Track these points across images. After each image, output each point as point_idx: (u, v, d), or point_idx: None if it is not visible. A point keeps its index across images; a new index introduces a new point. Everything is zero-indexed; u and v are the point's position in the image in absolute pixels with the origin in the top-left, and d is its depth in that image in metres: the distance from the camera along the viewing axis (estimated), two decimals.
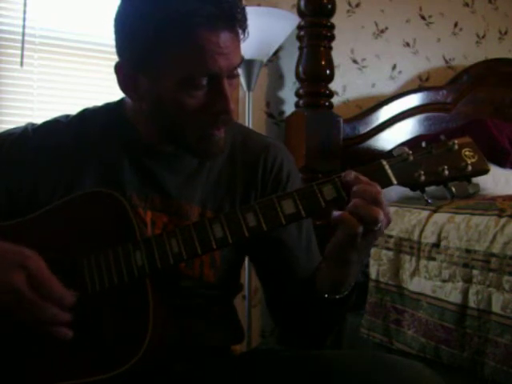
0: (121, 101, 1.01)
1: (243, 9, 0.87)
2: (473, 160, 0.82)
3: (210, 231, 0.82)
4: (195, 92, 0.87)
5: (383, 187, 0.80)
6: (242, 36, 0.89)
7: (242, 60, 0.91)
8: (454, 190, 0.82)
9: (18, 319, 0.79)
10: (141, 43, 0.86)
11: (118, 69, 0.91)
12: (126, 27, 0.88)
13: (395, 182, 0.81)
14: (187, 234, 0.82)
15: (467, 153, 0.82)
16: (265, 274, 1.05)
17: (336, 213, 0.77)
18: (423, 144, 0.83)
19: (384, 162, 0.81)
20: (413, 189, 0.83)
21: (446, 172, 0.81)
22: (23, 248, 0.81)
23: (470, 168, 0.81)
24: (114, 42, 0.91)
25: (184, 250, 0.82)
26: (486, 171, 0.82)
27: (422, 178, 0.81)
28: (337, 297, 0.86)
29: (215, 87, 0.87)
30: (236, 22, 0.86)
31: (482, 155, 0.82)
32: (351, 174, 0.79)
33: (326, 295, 0.87)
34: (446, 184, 0.82)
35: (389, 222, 0.80)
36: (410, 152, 0.81)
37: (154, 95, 0.89)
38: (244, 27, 0.88)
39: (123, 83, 0.92)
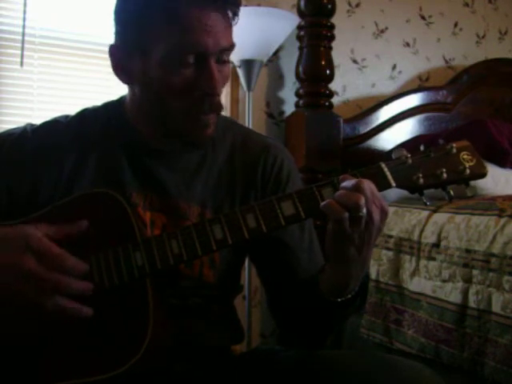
0: (120, 100, 1.02)
1: None
2: (471, 163, 0.82)
3: (210, 232, 0.82)
4: (182, 70, 0.87)
5: (382, 189, 0.80)
6: (232, 21, 0.89)
7: (233, 46, 0.90)
8: (452, 192, 0.83)
9: (39, 304, 0.79)
10: (130, 24, 0.88)
11: (112, 51, 0.93)
12: (117, 8, 0.91)
13: (394, 184, 0.81)
14: (187, 235, 0.83)
15: (465, 156, 0.83)
16: (266, 275, 1.04)
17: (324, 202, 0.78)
18: (422, 147, 0.83)
19: (383, 165, 0.82)
20: (411, 191, 0.83)
21: (445, 175, 0.81)
22: (22, 227, 0.81)
23: (468, 171, 0.82)
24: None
25: (184, 251, 0.82)
26: (483, 175, 0.83)
27: (421, 180, 0.81)
28: (339, 300, 0.86)
29: (202, 66, 0.87)
30: (227, 4, 0.87)
31: (480, 158, 0.83)
32: (348, 178, 0.79)
33: (328, 297, 0.87)
34: (445, 187, 0.83)
35: (385, 215, 0.79)
36: (409, 155, 0.82)
37: (144, 75, 0.89)
38: (235, 11, 0.89)
39: (116, 66, 0.93)
